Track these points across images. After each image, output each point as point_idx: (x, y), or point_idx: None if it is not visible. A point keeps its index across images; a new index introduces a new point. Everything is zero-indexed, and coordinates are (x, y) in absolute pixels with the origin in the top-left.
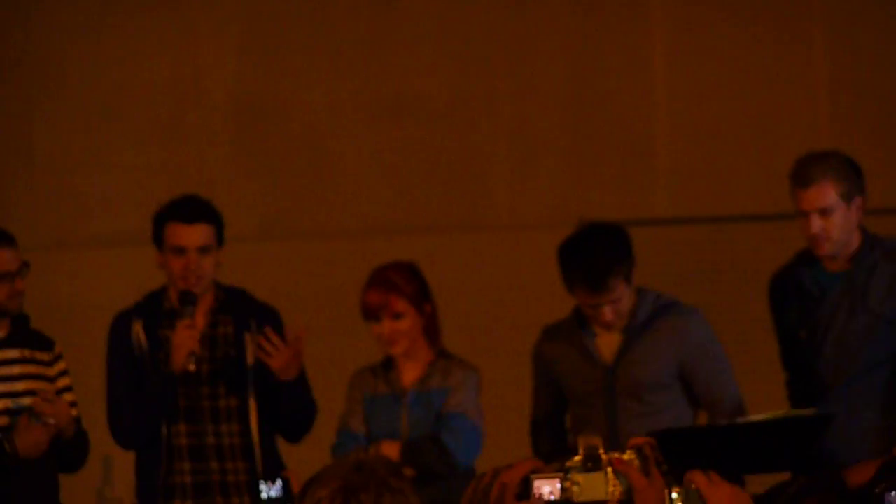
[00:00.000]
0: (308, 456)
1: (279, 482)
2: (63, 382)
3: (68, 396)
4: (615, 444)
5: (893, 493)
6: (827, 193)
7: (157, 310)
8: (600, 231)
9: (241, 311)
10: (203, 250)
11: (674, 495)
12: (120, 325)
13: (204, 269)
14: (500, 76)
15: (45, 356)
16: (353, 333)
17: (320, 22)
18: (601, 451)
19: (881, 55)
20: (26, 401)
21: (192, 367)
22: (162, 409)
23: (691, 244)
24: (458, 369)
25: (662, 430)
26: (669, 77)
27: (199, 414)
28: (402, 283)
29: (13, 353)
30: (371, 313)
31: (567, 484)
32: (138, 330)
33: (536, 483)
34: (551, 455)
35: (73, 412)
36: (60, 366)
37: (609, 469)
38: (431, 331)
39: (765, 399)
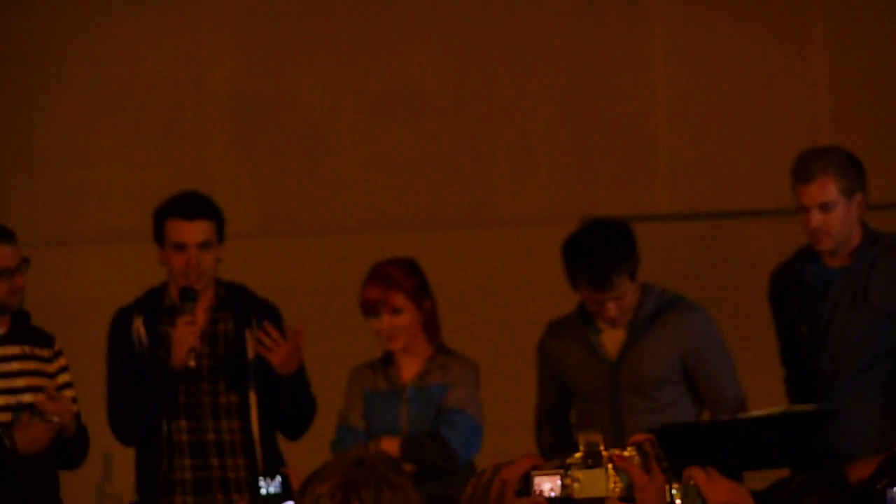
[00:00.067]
0: (308, 452)
1: (278, 478)
2: (63, 379)
3: (68, 393)
4: (620, 440)
5: (895, 488)
6: (828, 189)
7: (157, 306)
8: (604, 227)
9: (241, 307)
10: (203, 246)
11: (672, 491)
12: (120, 322)
13: (204, 266)
14: (501, 73)
15: (45, 352)
16: (353, 329)
17: (320, 18)
18: (601, 447)
19: (881, 51)
20: (26, 397)
21: (192, 364)
22: (162, 405)
23: (691, 240)
24: (458, 365)
25: (663, 427)
26: (669, 73)
27: (200, 410)
28: (401, 278)
29: (13, 350)
30: (370, 309)
31: (567, 480)
32: (139, 326)
33: (537, 479)
34: (551, 451)
35: (74, 409)
36: (60, 362)
37: (609, 466)
38: (431, 326)
39: (764, 395)
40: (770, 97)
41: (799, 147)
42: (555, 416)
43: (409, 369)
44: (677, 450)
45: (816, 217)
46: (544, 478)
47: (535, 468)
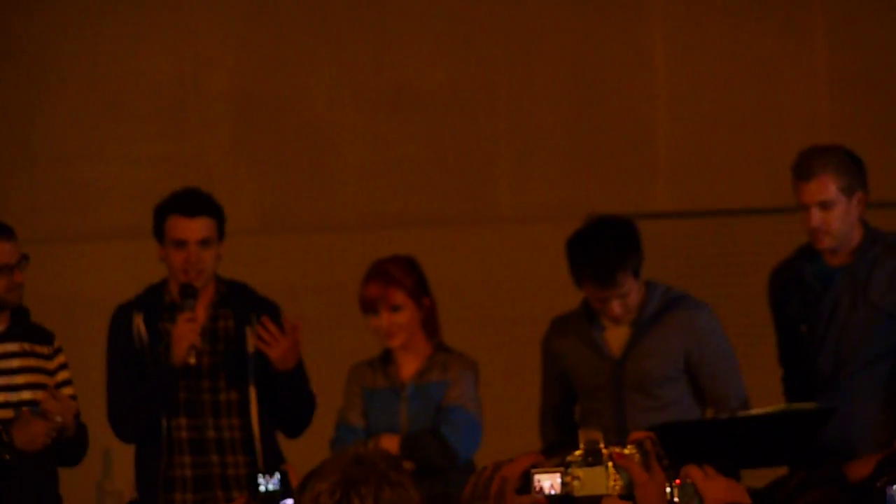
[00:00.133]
0: (307, 450)
1: (277, 475)
2: (63, 376)
3: (68, 390)
4: (623, 438)
5: (895, 486)
6: (828, 187)
7: (157, 303)
8: (609, 225)
9: (241, 304)
10: (204, 243)
11: (667, 489)
12: (120, 318)
13: (205, 263)
14: (501, 70)
15: (44, 349)
16: (353, 327)
17: (320, 15)
18: (602, 445)
19: (881, 49)
20: (26, 394)
21: (192, 361)
22: (162, 402)
23: (691, 238)
24: (457, 363)
25: (663, 424)
26: (670, 71)
27: (200, 407)
28: (400, 275)
29: (13, 347)
30: (369, 306)
31: (568, 478)
32: (139, 323)
33: (537, 477)
34: (552, 449)
35: (75, 407)
36: (60, 359)
37: (610, 463)
38: (430, 324)
39: (764, 393)
40: (770, 95)
41: (799, 145)
42: (559, 414)
43: (408, 367)
44: (677, 447)
45: (816, 215)
46: (544, 475)
47: (535, 466)
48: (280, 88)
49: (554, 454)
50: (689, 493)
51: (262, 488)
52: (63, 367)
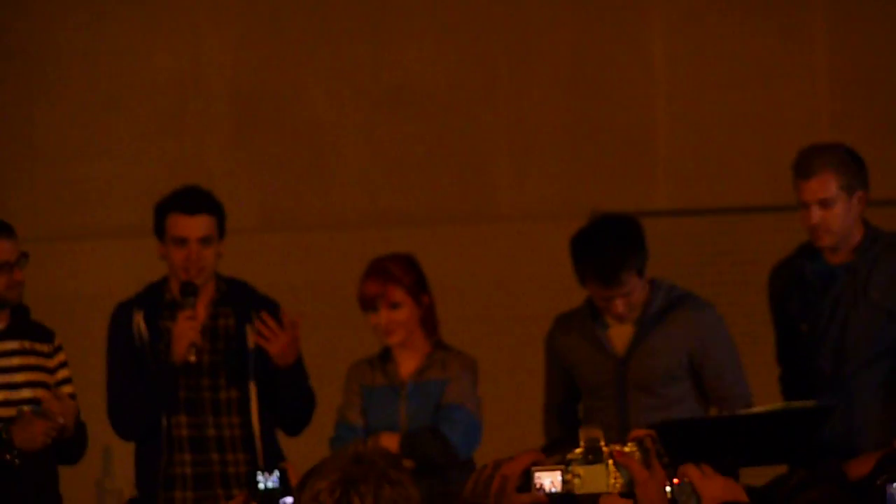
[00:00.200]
0: (307, 448)
1: (276, 473)
2: (62, 374)
3: (67, 388)
4: (625, 436)
5: (895, 484)
6: (828, 185)
7: (157, 301)
8: (613, 223)
9: (241, 303)
10: (204, 241)
11: (666, 488)
12: (120, 316)
13: (205, 260)
14: (501, 68)
15: (44, 347)
16: (353, 325)
17: (320, 14)
18: (602, 443)
19: (881, 48)
20: (25, 392)
21: (192, 359)
22: (162, 400)
23: (691, 236)
24: (456, 360)
25: (663, 422)
26: (670, 69)
27: (200, 405)
28: (399, 273)
29: (13, 345)
30: (368, 303)
31: (568, 476)
32: (139, 321)
33: (537, 475)
34: (552, 447)
35: (73, 402)
36: (60, 357)
37: (610, 461)
38: (429, 322)
39: (763, 391)
40: (770, 94)
41: (799, 143)
42: (562, 412)
43: (407, 365)
44: (678, 445)
45: (816, 213)
46: (545, 473)
47: (535, 464)
48: (279, 87)
49: (554, 452)
50: (687, 492)
51: (261, 486)
52: (63, 365)
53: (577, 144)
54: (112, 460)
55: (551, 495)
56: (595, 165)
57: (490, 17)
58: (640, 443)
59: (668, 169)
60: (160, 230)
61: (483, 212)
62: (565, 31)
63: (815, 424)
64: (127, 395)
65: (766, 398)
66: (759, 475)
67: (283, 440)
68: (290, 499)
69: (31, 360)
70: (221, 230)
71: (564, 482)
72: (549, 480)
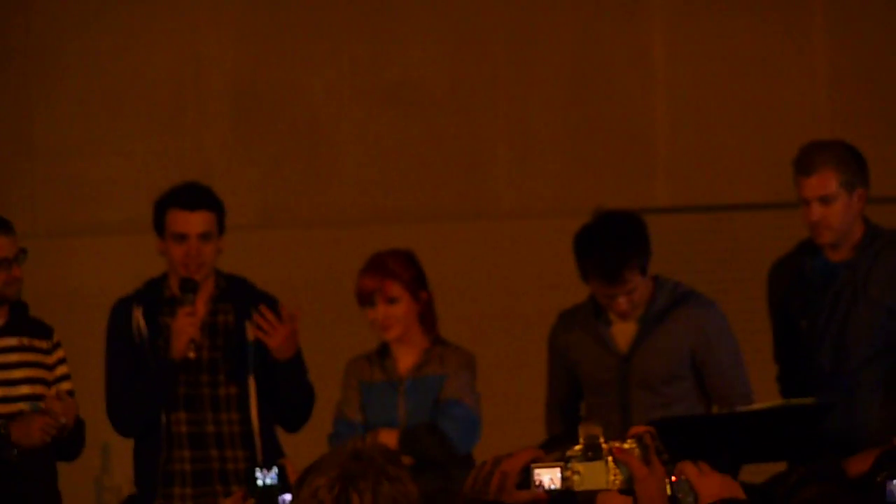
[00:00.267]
0: (307, 444)
1: (275, 470)
2: (61, 370)
3: (66, 385)
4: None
5: (894, 481)
6: (828, 182)
7: (157, 297)
8: (616, 221)
9: (241, 299)
10: (204, 237)
11: (666, 485)
12: (120, 312)
13: (205, 256)
14: (501, 65)
15: (43, 344)
16: (352, 322)
17: (320, 11)
18: (601, 440)
19: (881, 44)
20: (24, 389)
21: (192, 355)
22: (161, 396)
23: (691, 233)
24: (454, 356)
25: (662, 419)
26: (669, 66)
27: (199, 402)
28: (397, 268)
29: (11, 341)
30: (366, 298)
31: (568, 473)
32: (138, 317)
33: (537, 472)
34: (551, 443)
35: (72, 400)
36: (59, 354)
37: (610, 458)
38: (427, 318)
39: (763, 388)
40: (770, 90)
41: (799, 140)
42: (564, 409)
43: (405, 361)
44: (677, 442)
45: (817, 210)
46: (544, 470)
47: (535, 461)
48: (279, 84)
49: (553, 448)
50: (685, 490)
51: (259, 483)
52: (62, 361)
53: (577, 142)
54: (111, 457)
55: (551, 492)
56: (595, 163)
57: (490, 15)
58: (639, 439)
59: (668, 166)
60: (160, 226)
61: (483, 209)
62: (565, 28)
63: (814, 422)
64: (126, 391)
65: (766, 395)
66: (759, 472)
67: (283, 437)
68: (288, 496)
69: (30, 357)
70: (221, 226)
71: (564, 479)
72: (549, 477)
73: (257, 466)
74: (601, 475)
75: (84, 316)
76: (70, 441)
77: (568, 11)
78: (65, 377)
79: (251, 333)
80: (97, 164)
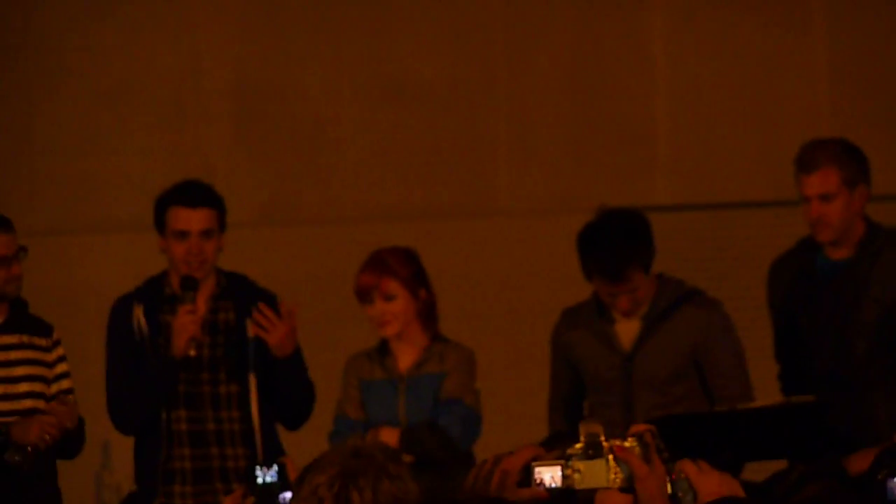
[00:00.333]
0: (307, 442)
1: (275, 468)
2: (61, 368)
3: (66, 383)
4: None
5: (895, 479)
6: (830, 179)
7: (157, 295)
8: (620, 219)
9: (242, 297)
10: (206, 234)
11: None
12: (120, 310)
13: (206, 254)
14: (501, 62)
15: (43, 342)
16: (352, 319)
17: (319, 8)
18: (602, 438)
19: (881, 42)
20: (23, 386)
21: (192, 353)
22: (162, 394)
23: (691, 231)
24: (454, 353)
25: (663, 417)
26: (669, 63)
27: (200, 399)
28: (396, 265)
29: (11, 339)
30: (364, 295)
31: (568, 471)
32: (139, 315)
33: (537, 470)
34: (552, 441)
35: (71, 398)
36: (59, 351)
37: (610, 456)
38: (427, 317)
39: (763, 386)
40: (770, 88)
41: (799, 138)
42: (568, 407)
43: (405, 359)
44: (678, 440)
45: (818, 207)
46: (545, 468)
47: (535, 459)
48: (279, 81)
49: (554, 446)
50: (684, 488)
51: (259, 481)
52: (61, 359)
53: (577, 139)
54: (111, 455)
55: (551, 490)
56: (595, 160)
57: (490, 12)
58: (639, 438)
59: (669, 164)
60: (160, 224)
61: (482, 206)
62: (565, 25)
63: (814, 420)
64: (126, 389)
65: (766, 393)
66: (759, 470)
67: (284, 435)
68: (289, 494)
69: (30, 354)
70: (222, 224)
71: (564, 477)
72: (550, 475)
73: (257, 464)
74: (602, 473)
75: (84, 314)
76: (70, 439)
77: (568, 8)
78: (64, 375)
79: (251, 331)
80: (97, 161)
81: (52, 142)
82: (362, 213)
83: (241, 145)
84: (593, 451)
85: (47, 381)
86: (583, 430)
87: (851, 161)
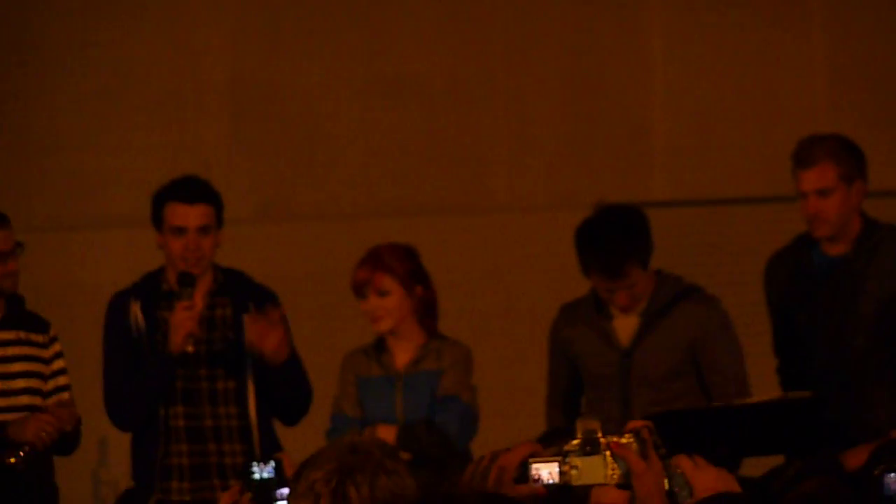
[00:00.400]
0: (305, 438)
1: (272, 463)
2: (58, 364)
3: (62, 379)
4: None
5: (892, 474)
6: (827, 175)
7: (155, 291)
8: (618, 215)
9: (239, 293)
10: (203, 230)
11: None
12: (117, 306)
13: (204, 250)
14: (498, 59)
15: (40, 338)
16: (349, 316)
17: (316, 5)
18: (599, 434)
19: (879, 39)
20: (20, 383)
21: (190, 349)
22: (159, 390)
23: (688, 227)
24: (451, 350)
25: (660, 413)
26: (667, 59)
27: (197, 396)
28: (392, 261)
29: (8, 335)
30: (359, 290)
31: (565, 467)
32: (136, 311)
33: (535, 466)
34: (549, 437)
35: (67, 395)
36: (55, 348)
37: (607, 452)
38: (424, 314)
39: (760, 382)
40: (767, 84)
41: (797, 134)
42: (565, 402)
43: (402, 356)
44: (675, 436)
45: (815, 203)
46: (542, 465)
47: (532, 455)
48: (276, 77)
49: (551, 442)
50: (680, 483)
51: (256, 477)
52: (58, 355)
53: (574, 136)
54: (108, 451)
55: (548, 486)
56: (592, 157)
57: (488, 9)
58: (637, 434)
59: (666, 160)
60: (158, 220)
61: (480, 203)
62: (563, 21)
63: (812, 415)
64: (123, 385)
65: (764, 389)
66: (757, 466)
67: (281, 430)
68: (286, 490)
69: (27, 351)
70: (219, 220)
71: (562, 473)
72: (547, 472)
73: (254, 460)
74: (599, 470)
75: (81, 310)
76: (67, 435)
77: (566, 5)
78: (61, 371)
79: (249, 333)
80: (94, 157)
81: (49, 138)
82: (360, 210)
83: (239, 142)
84: (590, 447)
85: (44, 378)
86: (580, 426)
87: (849, 157)
